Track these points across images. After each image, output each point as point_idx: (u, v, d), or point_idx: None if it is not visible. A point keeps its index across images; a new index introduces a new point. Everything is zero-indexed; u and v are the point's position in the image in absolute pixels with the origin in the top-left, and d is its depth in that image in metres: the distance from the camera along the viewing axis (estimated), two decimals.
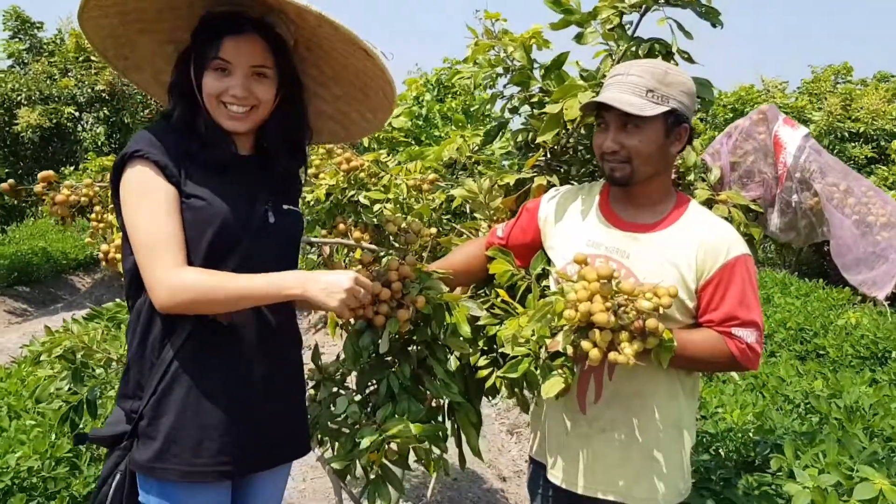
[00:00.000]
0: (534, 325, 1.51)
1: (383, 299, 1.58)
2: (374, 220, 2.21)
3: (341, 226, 2.22)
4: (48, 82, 9.63)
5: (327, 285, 1.37)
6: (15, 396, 3.76)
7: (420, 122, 5.75)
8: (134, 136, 1.43)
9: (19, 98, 9.32)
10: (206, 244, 1.40)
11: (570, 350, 1.46)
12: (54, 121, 9.35)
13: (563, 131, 1.79)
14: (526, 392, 1.65)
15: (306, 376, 1.77)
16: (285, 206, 1.56)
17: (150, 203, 1.36)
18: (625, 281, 1.37)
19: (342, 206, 2.24)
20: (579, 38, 1.75)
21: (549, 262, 1.77)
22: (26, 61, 10.60)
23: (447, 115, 6.86)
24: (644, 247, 1.57)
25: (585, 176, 1.93)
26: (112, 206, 1.45)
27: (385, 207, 2.17)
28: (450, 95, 7.67)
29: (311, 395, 1.79)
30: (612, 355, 1.37)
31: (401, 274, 1.60)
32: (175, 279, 1.34)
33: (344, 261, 2.14)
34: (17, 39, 10.84)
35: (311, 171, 2.30)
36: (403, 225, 1.80)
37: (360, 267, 1.62)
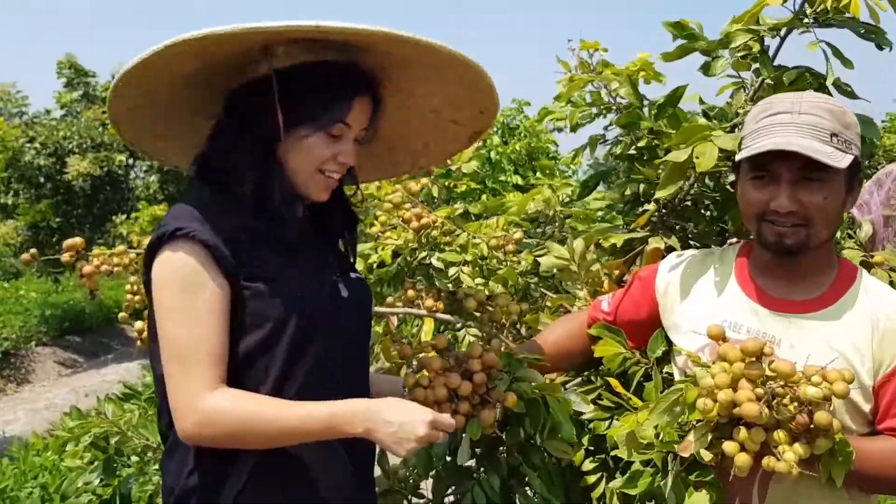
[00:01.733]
0: (657, 420, 1.26)
1: (463, 395, 1.36)
2: (449, 285, 2.01)
3: (411, 292, 2.02)
4: (100, 129, 9.99)
5: (398, 430, 1.19)
6: (52, 474, 3.66)
7: (486, 167, 5.61)
8: (172, 210, 1.27)
9: (70, 146, 9.69)
10: (285, 336, 1.25)
11: (706, 455, 1.20)
12: (105, 168, 9.67)
13: (686, 182, 1.56)
14: None
15: None
16: (353, 275, 1.38)
17: (189, 302, 1.20)
18: (780, 360, 1.11)
19: (412, 270, 2.04)
20: (707, 69, 1.53)
21: (669, 344, 1.52)
22: (79, 110, 11.08)
23: (511, 157, 6.70)
24: (801, 332, 1.31)
25: (710, 237, 1.68)
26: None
27: (462, 271, 1.96)
28: (514, 137, 7.53)
29: None
30: (767, 461, 1.10)
31: (485, 363, 1.39)
32: (207, 405, 1.18)
33: (411, 332, 1.93)
34: (69, 88, 11.37)
35: (375, 228, 2.13)
36: (485, 298, 1.58)
37: (432, 353, 1.40)
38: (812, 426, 1.09)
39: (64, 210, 10.08)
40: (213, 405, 1.18)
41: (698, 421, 1.22)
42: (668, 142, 1.46)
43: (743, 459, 1.12)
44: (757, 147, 1.28)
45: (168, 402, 1.23)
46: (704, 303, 1.45)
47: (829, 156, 1.24)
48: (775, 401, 1.11)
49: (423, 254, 2.02)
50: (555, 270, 1.96)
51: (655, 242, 1.64)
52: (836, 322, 1.30)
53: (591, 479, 1.63)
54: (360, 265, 2.04)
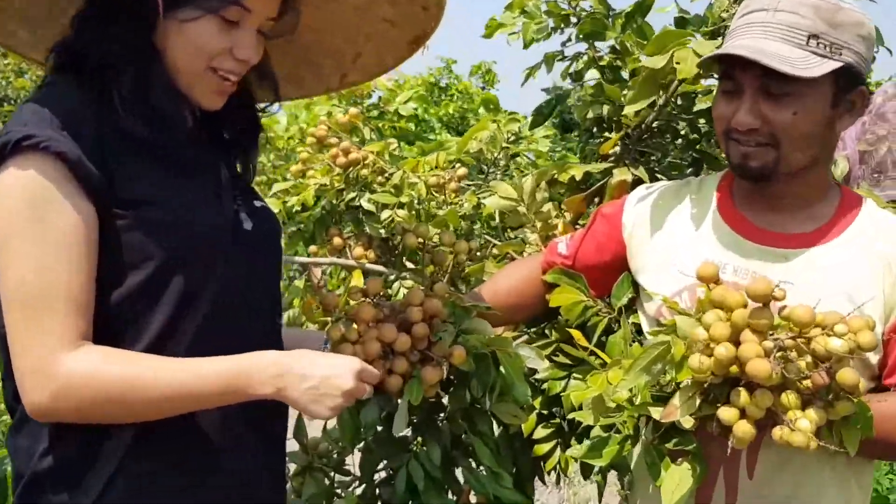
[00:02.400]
0: (634, 381, 1.04)
1: (400, 351, 1.11)
2: (382, 231, 1.75)
3: (337, 239, 1.76)
4: None
5: (318, 386, 0.97)
6: None
7: (416, 126, 5.25)
8: (18, 112, 0.97)
9: None
10: (171, 280, 0.98)
11: (686, 422, 1.00)
12: None
13: (660, 97, 1.33)
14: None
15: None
16: (257, 203, 1.12)
17: (40, 234, 0.92)
18: (796, 306, 0.90)
19: (338, 214, 1.77)
20: None
21: (637, 291, 1.31)
22: None
23: (443, 119, 6.36)
24: (798, 269, 1.11)
25: (684, 169, 1.47)
26: None
27: (396, 214, 1.71)
28: (447, 99, 7.18)
29: (294, 486, 1.32)
30: (779, 432, 0.90)
31: (427, 312, 1.15)
32: (65, 368, 0.91)
33: (339, 286, 1.67)
34: None
35: (295, 167, 1.85)
36: (431, 236, 1.32)
37: (363, 300, 1.15)
38: (833, 387, 0.89)
39: None
40: (72, 369, 0.91)
41: (685, 382, 1.01)
42: (641, 51, 1.24)
43: (744, 429, 0.91)
44: (719, 51, 1.08)
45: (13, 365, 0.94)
46: (680, 239, 1.24)
47: (792, 63, 1.03)
48: (782, 355, 0.90)
49: (352, 195, 1.76)
50: (501, 216, 1.73)
51: (621, 174, 1.42)
52: (839, 258, 1.11)
53: (545, 447, 1.42)
54: (276, 208, 1.76)
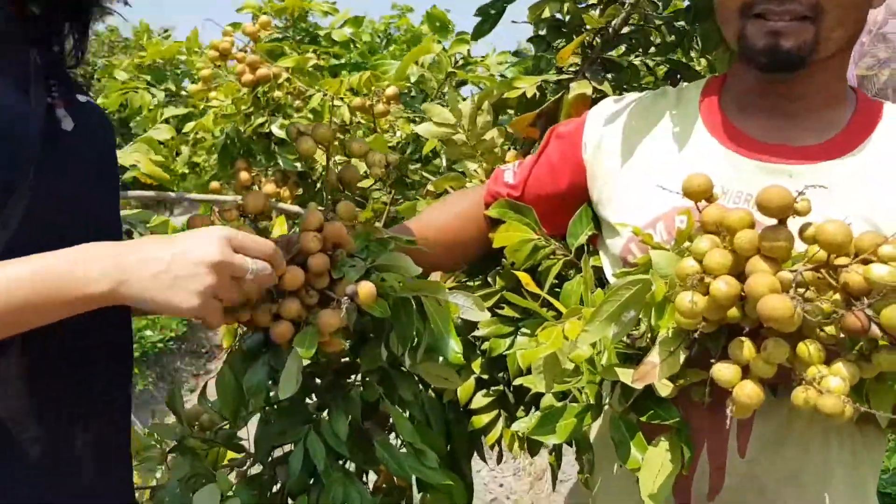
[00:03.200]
0: (599, 333, 0.79)
1: (290, 289, 0.84)
2: (298, 165, 1.46)
3: (244, 174, 1.46)
4: None
5: (167, 268, 0.71)
6: None
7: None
8: None
9: None
10: None
11: (663, 388, 0.76)
12: None
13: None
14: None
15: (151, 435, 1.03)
16: (81, 98, 0.82)
17: None
18: (827, 223, 0.66)
19: (245, 143, 1.48)
20: None
21: (598, 227, 1.06)
22: None
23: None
24: (811, 188, 0.87)
25: (659, 82, 1.21)
26: None
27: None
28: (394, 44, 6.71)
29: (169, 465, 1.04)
30: (804, 394, 0.65)
31: (327, 238, 0.88)
32: None
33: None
34: None
35: (193, 87, 1.54)
36: (331, 137, 1.01)
37: (242, 221, 0.88)
38: (877, 332, 0.64)
39: None
40: None
41: (666, 333, 0.76)
42: None
43: (750, 392, 0.67)
44: None
45: None
46: (656, 162, 0.98)
47: None
48: (804, 291, 0.66)
49: (261, 120, 1.46)
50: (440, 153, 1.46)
51: (580, 87, 1.15)
52: (860, 175, 0.87)
53: (484, 418, 1.17)
54: (167, 134, 1.45)
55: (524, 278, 1.02)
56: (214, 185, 1.51)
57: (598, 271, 1.07)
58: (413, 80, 1.68)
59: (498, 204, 1.10)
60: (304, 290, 0.86)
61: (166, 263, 0.70)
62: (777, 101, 0.92)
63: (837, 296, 0.66)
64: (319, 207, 0.89)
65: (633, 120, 1.03)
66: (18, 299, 0.67)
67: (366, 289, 0.85)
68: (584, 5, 1.22)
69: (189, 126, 1.48)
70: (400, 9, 5.78)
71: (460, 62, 1.65)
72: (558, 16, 1.22)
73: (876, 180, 0.86)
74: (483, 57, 1.64)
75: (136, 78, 1.74)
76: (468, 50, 1.65)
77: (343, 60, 1.97)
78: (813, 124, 0.91)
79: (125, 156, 1.31)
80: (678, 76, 1.20)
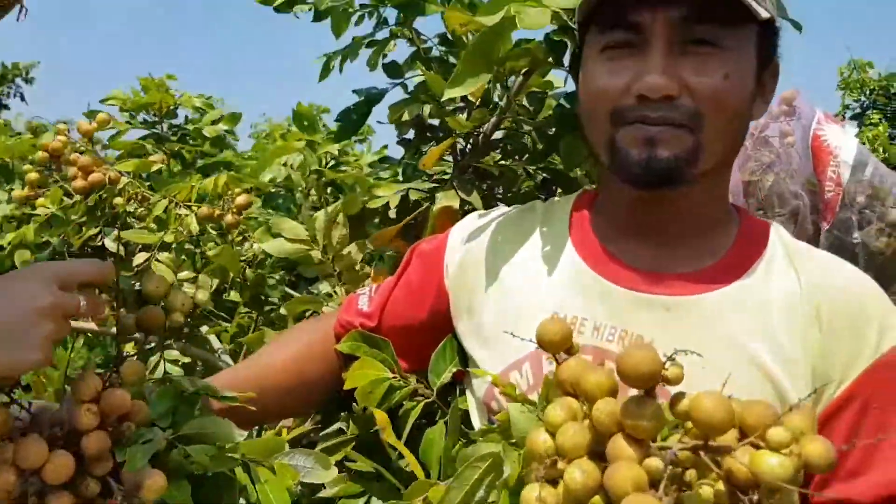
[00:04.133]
0: None
1: (57, 482, 0.65)
2: (136, 284, 1.26)
3: None
4: None
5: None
6: None
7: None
8: None
9: None
10: None
11: None
12: None
13: (494, 87, 0.96)
14: None
15: None
16: None
17: None
18: (703, 394, 0.52)
19: (73, 257, 1.27)
20: None
21: (465, 361, 0.91)
22: None
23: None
24: (688, 325, 0.76)
25: (532, 192, 1.10)
26: None
27: (157, 259, 1.23)
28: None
29: None
30: None
31: (107, 410, 0.68)
32: None
33: (66, 358, 1.16)
34: None
35: (18, 192, 1.34)
36: (150, 290, 0.83)
37: None
38: None
39: None
40: None
41: None
42: (470, 25, 0.86)
43: None
44: None
45: None
46: (522, 287, 0.85)
47: None
48: (676, 479, 0.51)
49: (93, 231, 1.27)
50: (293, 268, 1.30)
51: (446, 199, 1.02)
52: (745, 308, 0.75)
53: None
54: None
55: (381, 421, 0.85)
56: None
57: (466, 414, 0.92)
58: (279, 179, 1.52)
59: (350, 336, 0.94)
60: (79, 481, 0.66)
61: None
62: (652, 222, 0.81)
63: (720, 484, 0.52)
64: (97, 370, 0.70)
65: (499, 237, 0.90)
66: None
67: (153, 482, 0.66)
68: (451, 108, 1.10)
69: (7, 238, 1.27)
70: (317, 108, 5.65)
71: (331, 162, 1.51)
72: (430, 119, 1.10)
73: (762, 312, 0.75)
74: (356, 158, 1.51)
75: None
76: (342, 149, 1.52)
77: (217, 159, 1.80)
78: (692, 249, 0.80)
79: None
80: (554, 186, 1.09)
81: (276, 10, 1.17)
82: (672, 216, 0.81)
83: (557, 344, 0.61)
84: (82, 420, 0.67)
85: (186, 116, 2.04)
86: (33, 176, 1.33)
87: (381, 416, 0.87)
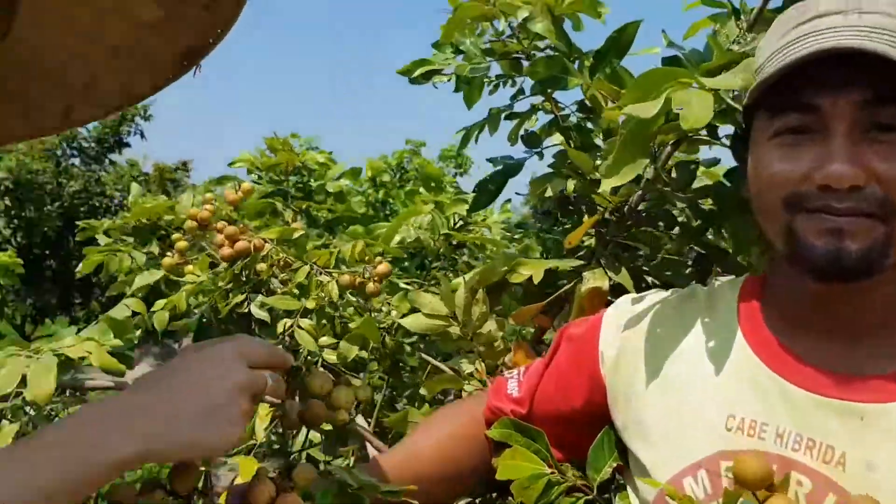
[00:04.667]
0: None
1: None
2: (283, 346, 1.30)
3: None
4: None
5: (197, 402, 0.61)
6: None
7: (376, 207, 4.59)
8: None
9: None
10: None
11: None
12: None
13: (647, 168, 0.93)
14: None
15: None
16: None
17: None
18: None
19: (221, 323, 1.32)
20: None
21: (625, 457, 0.87)
22: None
23: (406, 203, 5.76)
24: (881, 435, 0.69)
25: (681, 272, 1.04)
26: None
27: (299, 325, 1.26)
28: (412, 182, 6.63)
29: None
30: None
31: None
32: None
33: None
34: None
35: (168, 260, 1.40)
36: (315, 386, 0.83)
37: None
38: None
39: None
40: None
41: None
42: (619, 101, 0.83)
43: None
44: (792, 55, 0.68)
45: None
46: (690, 384, 0.80)
47: None
48: None
49: (239, 299, 1.31)
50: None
51: (594, 279, 0.98)
52: None
53: None
54: (126, 312, 1.29)
55: None
56: None
57: None
58: (409, 241, 1.54)
59: (501, 423, 0.92)
60: None
61: (196, 398, 0.60)
62: (837, 317, 0.75)
63: None
64: (271, 473, 0.71)
65: (658, 328, 0.86)
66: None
67: None
68: (594, 178, 1.07)
69: (159, 304, 1.33)
70: (414, 144, 5.74)
71: (458, 223, 1.51)
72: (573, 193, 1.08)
73: None
74: (483, 218, 1.50)
75: (120, 241, 1.61)
76: (468, 209, 1.52)
77: (338, 214, 1.84)
78: (881, 348, 0.73)
79: (79, 342, 1.16)
80: (709, 263, 1.04)
81: (412, 82, 1.17)
82: (859, 311, 0.74)
83: (757, 483, 0.57)
84: None
85: (305, 170, 2.10)
86: (183, 244, 1.40)
87: None
